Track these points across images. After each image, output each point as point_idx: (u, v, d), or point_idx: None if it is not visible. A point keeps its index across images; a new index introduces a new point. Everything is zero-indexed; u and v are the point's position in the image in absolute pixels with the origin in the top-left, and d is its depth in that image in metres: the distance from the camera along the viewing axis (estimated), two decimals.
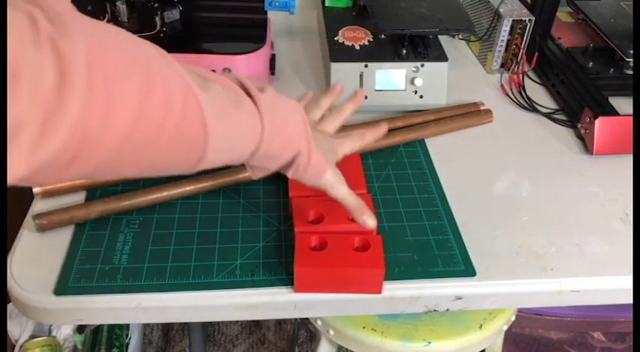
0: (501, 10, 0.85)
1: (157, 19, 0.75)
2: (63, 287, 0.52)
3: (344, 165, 0.59)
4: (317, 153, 0.47)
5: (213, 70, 0.73)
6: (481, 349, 0.75)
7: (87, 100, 0.29)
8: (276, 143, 0.44)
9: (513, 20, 0.83)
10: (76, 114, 0.28)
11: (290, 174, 0.48)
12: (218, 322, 1.36)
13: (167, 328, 1.35)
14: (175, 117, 0.35)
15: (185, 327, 1.32)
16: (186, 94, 0.36)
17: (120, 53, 0.32)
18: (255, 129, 0.42)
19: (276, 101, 0.44)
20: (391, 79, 0.76)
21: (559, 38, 0.91)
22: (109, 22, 0.73)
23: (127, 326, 1.08)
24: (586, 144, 0.74)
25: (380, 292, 0.54)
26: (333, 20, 0.85)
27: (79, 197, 0.61)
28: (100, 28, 0.32)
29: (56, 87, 0.27)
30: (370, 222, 0.50)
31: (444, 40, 0.82)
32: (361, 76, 0.75)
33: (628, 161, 0.72)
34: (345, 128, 0.65)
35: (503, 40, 0.85)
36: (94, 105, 0.29)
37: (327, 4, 0.89)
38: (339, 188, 0.49)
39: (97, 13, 0.73)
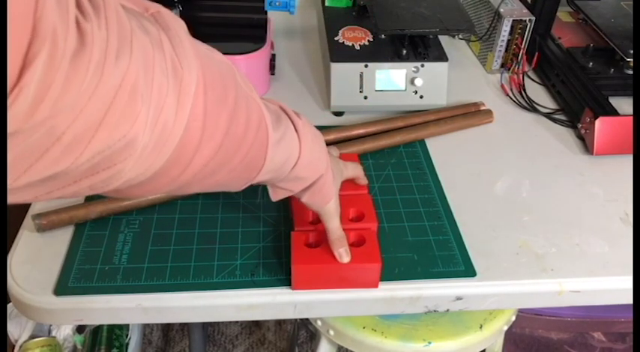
0: (501, 10, 0.85)
1: None
2: (63, 288, 0.52)
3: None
4: (330, 179, 0.49)
5: None
6: (481, 349, 0.75)
7: (189, 125, 0.31)
8: (308, 165, 0.46)
9: (513, 20, 0.83)
10: (179, 136, 0.31)
11: (305, 198, 0.49)
12: (218, 322, 1.36)
13: (167, 328, 1.35)
14: (249, 141, 0.38)
15: (185, 327, 1.32)
16: (259, 120, 0.39)
17: (218, 79, 0.34)
18: (295, 152, 0.44)
19: (307, 125, 0.47)
20: (391, 79, 0.76)
21: (559, 38, 0.91)
22: None
23: (127, 326, 1.08)
24: (586, 144, 0.74)
25: (376, 286, 0.54)
26: (333, 20, 0.84)
27: None
28: (203, 52, 0.34)
29: (173, 110, 0.29)
30: (345, 257, 0.51)
31: (444, 40, 0.82)
32: (361, 76, 0.75)
33: (628, 161, 0.72)
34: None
35: (503, 40, 0.85)
36: (194, 129, 0.32)
37: (327, 4, 0.89)
38: (334, 219, 0.51)
39: None
